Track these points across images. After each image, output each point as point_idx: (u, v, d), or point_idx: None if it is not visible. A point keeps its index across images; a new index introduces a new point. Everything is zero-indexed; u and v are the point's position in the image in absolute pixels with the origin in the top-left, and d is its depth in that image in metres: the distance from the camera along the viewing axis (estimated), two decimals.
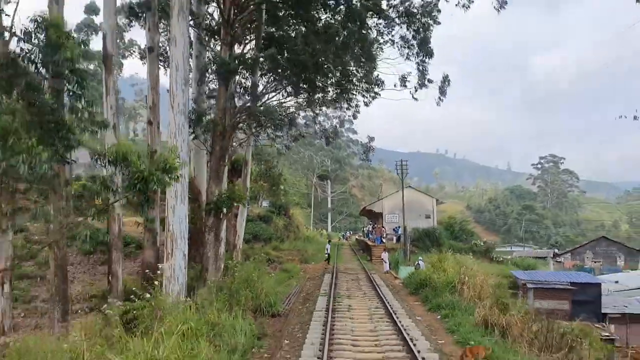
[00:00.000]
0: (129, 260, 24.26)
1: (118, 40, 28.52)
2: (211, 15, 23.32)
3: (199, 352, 7.65)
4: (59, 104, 9.31)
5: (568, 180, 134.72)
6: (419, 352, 9.32)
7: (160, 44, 21.65)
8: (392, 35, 19.28)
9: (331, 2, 18.10)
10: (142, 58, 25.25)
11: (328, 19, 16.67)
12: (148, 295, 9.41)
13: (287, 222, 41.07)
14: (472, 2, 18.78)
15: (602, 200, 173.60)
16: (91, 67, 42.90)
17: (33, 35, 8.29)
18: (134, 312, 9.35)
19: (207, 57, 19.31)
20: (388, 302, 14.84)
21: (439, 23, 19.75)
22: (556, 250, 53.85)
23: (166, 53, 23.79)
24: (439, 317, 14.03)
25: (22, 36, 8.38)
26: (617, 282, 31.99)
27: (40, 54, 8.18)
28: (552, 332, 14.06)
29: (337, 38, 14.99)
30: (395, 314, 13.09)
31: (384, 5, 18.09)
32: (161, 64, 21.99)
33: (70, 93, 8.70)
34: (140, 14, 21.85)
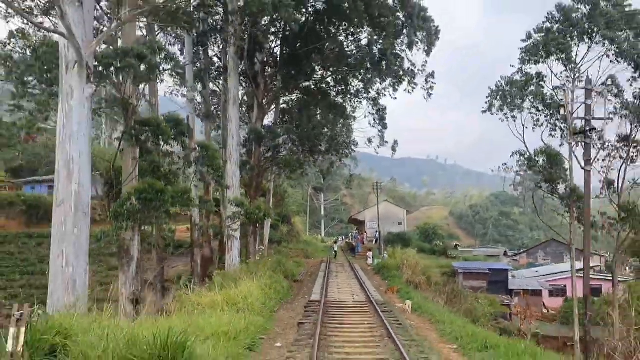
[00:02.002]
0: (184, 256, 35.97)
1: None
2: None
3: (273, 283, 19.56)
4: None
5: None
6: (367, 288, 21.27)
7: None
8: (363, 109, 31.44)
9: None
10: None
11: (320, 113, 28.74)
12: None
13: (290, 229, 52.98)
14: (414, 90, 30.77)
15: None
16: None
17: (198, 150, 20.13)
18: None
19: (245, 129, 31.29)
20: (359, 275, 26.80)
21: (395, 98, 31.88)
22: (507, 250, 66.26)
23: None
24: (386, 281, 26.02)
25: (194, 150, 20.27)
26: (537, 271, 44.36)
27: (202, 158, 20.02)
28: (449, 288, 26.25)
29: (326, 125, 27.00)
30: (361, 279, 25.04)
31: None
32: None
33: (214, 174, 20.45)
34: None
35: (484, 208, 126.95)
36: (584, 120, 19.74)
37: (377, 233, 46.77)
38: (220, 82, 35.27)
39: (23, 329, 6.83)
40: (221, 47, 32.43)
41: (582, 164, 19.97)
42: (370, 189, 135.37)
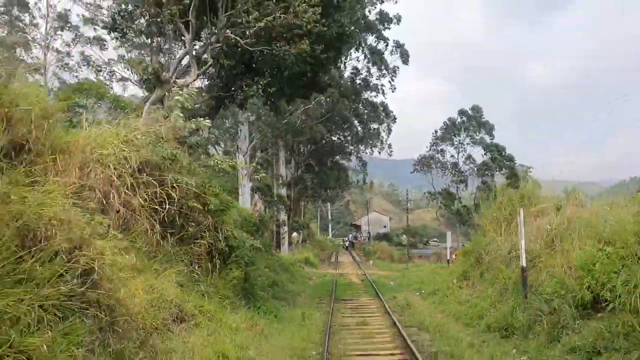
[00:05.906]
0: None
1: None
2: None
3: (313, 256, 45.30)
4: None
5: None
6: (356, 259, 46.92)
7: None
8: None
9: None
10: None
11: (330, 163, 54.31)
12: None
13: (309, 232, 78.63)
14: (381, 152, 56.19)
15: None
16: None
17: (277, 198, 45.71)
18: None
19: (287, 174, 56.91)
20: (353, 255, 52.46)
21: (372, 154, 57.36)
22: (464, 243, 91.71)
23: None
24: (366, 257, 51.58)
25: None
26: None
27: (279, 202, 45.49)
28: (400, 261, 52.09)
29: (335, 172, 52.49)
30: (354, 257, 50.70)
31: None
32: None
33: (285, 208, 45.74)
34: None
35: (464, 212, 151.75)
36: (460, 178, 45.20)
37: (369, 233, 72.48)
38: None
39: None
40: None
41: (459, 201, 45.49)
42: (371, 195, 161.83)
